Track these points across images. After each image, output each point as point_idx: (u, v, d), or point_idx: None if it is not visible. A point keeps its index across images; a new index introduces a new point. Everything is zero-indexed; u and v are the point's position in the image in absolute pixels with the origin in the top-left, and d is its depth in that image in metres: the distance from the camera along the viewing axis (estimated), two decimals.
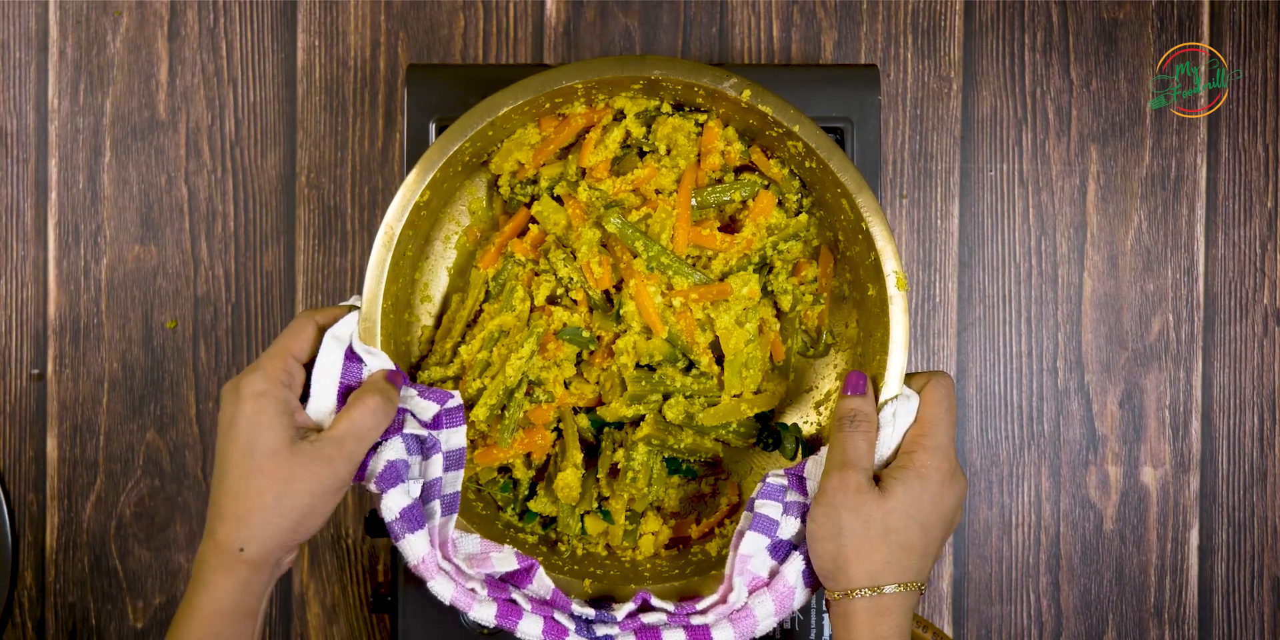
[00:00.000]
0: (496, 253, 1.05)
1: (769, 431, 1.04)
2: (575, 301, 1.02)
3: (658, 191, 1.00)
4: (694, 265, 0.98)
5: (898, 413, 0.92)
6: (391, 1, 1.05)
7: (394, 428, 0.90)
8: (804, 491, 0.92)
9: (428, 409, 0.94)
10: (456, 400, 0.95)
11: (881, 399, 0.93)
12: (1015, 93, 1.04)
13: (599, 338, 1.01)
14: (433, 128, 0.99)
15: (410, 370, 1.02)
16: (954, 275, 1.07)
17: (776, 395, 1.04)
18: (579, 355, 1.02)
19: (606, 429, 1.03)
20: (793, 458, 1.02)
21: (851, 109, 0.99)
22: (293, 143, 1.08)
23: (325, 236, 1.10)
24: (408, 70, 0.99)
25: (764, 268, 1.01)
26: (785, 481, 0.92)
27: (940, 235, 1.07)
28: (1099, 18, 1.03)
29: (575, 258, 0.99)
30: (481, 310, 1.04)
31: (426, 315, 1.07)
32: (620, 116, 1.00)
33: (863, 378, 0.94)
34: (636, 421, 1.02)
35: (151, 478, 1.09)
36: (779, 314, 1.03)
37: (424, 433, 0.92)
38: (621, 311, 0.99)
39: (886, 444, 0.91)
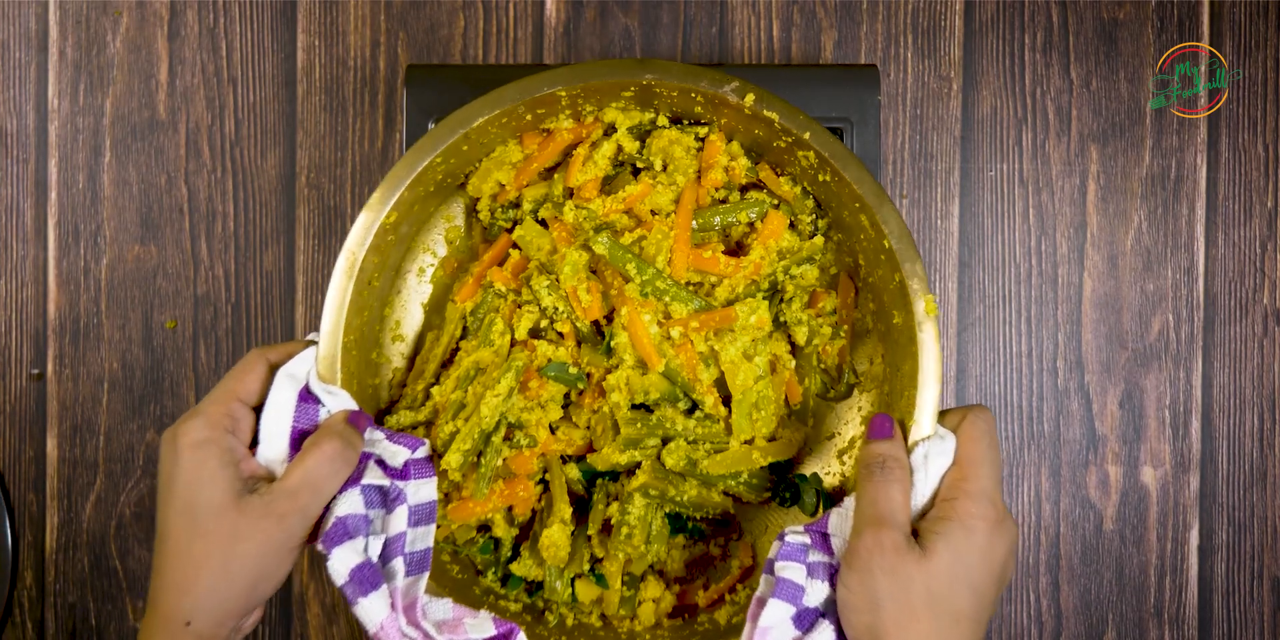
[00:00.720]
0: (475, 284, 0.96)
1: (786, 484, 0.95)
2: (561, 334, 0.93)
3: (654, 212, 0.93)
4: (695, 291, 0.90)
5: (930, 455, 0.82)
6: (391, 1, 1.05)
7: (353, 478, 0.82)
8: (829, 549, 0.82)
9: (397, 454, 0.85)
10: (426, 448, 0.87)
11: (911, 439, 0.84)
12: (1015, 93, 1.04)
13: (588, 375, 0.92)
14: (431, 128, 0.91)
15: (377, 417, 0.94)
16: (954, 275, 1.06)
17: (794, 443, 0.95)
18: (566, 396, 0.94)
19: (599, 480, 0.94)
20: (813, 513, 0.93)
21: (851, 109, 0.97)
22: (293, 143, 1.08)
23: (325, 236, 1.09)
24: (407, 70, 0.98)
25: (775, 295, 0.93)
26: (807, 539, 0.82)
27: (940, 235, 1.06)
28: (1099, 18, 1.03)
29: (560, 284, 0.89)
30: (459, 348, 0.96)
31: (398, 356, 0.99)
32: (611, 131, 0.93)
33: (888, 420, 0.85)
34: (632, 470, 0.92)
35: (151, 478, 1.07)
36: (794, 350, 0.95)
37: (386, 482, 0.83)
38: (613, 344, 0.90)
39: (921, 492, 0.81)
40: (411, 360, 0.98)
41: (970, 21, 1.04)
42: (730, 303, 0.90)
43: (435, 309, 0.98)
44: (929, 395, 0.84)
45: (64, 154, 1.04)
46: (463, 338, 0.96)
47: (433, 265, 0.98)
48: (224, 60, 1.05)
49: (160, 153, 1.06)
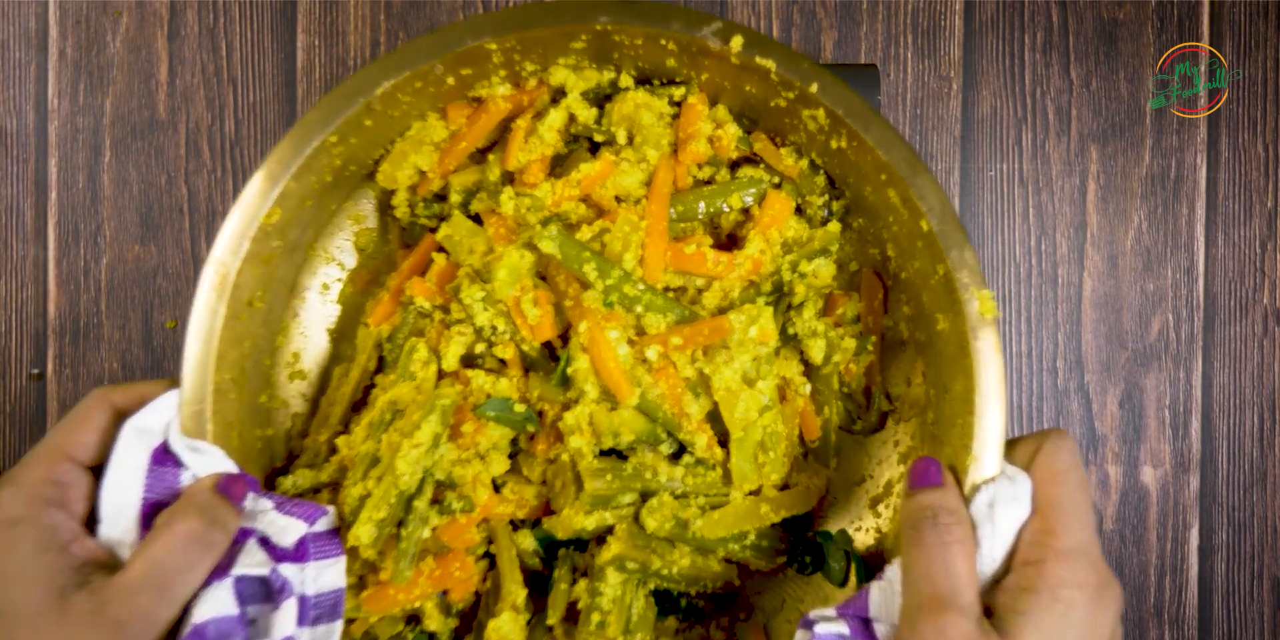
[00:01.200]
0: (391, 301, 0.85)
1: (805, 545, 0.85)
2: (502, 361, 0.82)
3: (619, 199, 0.82)
4: (676, 298, 0.80)
5: (999, 502, 0.70)
6: (391, 1, 1.06)
7: (222, 566, 0.70)
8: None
9: (288, 529, 0.74)
10: (330, 518, 0.76)
11: (971, 482, 0.71)
12: (1015, 93, 1.06)
13: (540, 413, 0.81)
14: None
15: (268, 479, 0.83)
16: None
17: (813, 492, 0.85)
18: (513, 442, 0.82)
19: (561, 551, 0.83)
20: (843, 583, 0.82)
21: None
22: None
23: None
24: None
25: (781, 301, 0.82)
26: (844, 629, 0.71)
27: None
28: (1099, 18, 1.05)
29: (496, 295, 0.79)
30: (373, 385, 0.85)
31: (297, 398, 0.87)
32: (560, 96, 0.82)
33: (934, 463, 0.73)
34: (603, 536, 0.82)
35: None
36: (808, 370, 0.84)
37: (266, 570, 0.71)
38: (569, 372, 0.79)
39: (991, 554, 0.69)
40: (316, 402, 0.87)
41: (970, 21, 1.05)
42: (723, 312, 0.80)
43: (345, 336, 0.88)
44: (991, 423, 0.71)
45: (64, 154, 1.06)
46: (379, 371, 0.85)
47: (340, 280, 0.88)
48: (224, 60, 1.07)
49: (160, 153, 1.07)
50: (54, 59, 1.06)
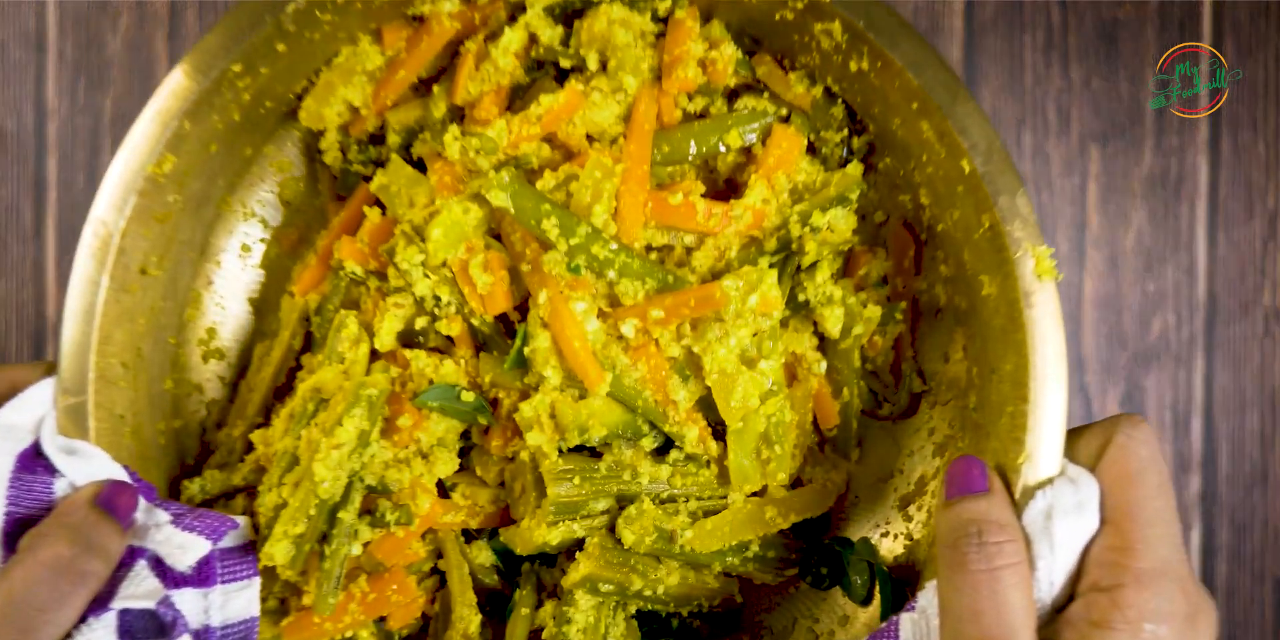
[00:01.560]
0: (321, 265, 0.81)
1: (821, 553, 0.82)
2: (449, 339, 0.78)
3: (591, 138, 0.78)
4: (660, 260, 0.77)
5: (1059, 511, 0.65)
6: None
7: (102, 598, 0.65)
8: None
9: (188, 548, 0.68)
10: (242, 532, 0.71)
11: (1023, 486, 0.67)
12: (1015, 92, 1.08)
13: (493, 402, 0.77)
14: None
15: (172, 481, 0.78)
16: None
17: (830, 489, 0.81)
18: (464, 435, 0.78)
19: (525, 565, 0.80)
20: (865, 600, 0.78)
21: None
22: None
23: None
24: None
25: (789, 261, 0.78)
26: None
27: None
28: (1099, 18, 1.08)
29: (435, 259, 0.75)
30: (299, 367, 0.81)
31: (214, 382, 0.82)
32: (519, 12, 0.77)
33: (977, 465, 0.68)
34: (572, 550, 0.78)
35: None
36: (823, 344, 0.81)
37: (152, 603, 0.66)
38: (527, 352, 0.75)
39: (1049, 577, 0.65)
40: (237, 386, 0.83)
41: (970, 21, 1.07)
42: (717, 276, 0.76)
43: (270, 306, 0.84)
44: (1049, 412, 0.67)
45: (63, 153, 1.07)
46: (307, 350, 0.81)
47: (263, 240, 0.83)
48: None
49: None
50: (53, 59, 1.08)
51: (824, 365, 0.80)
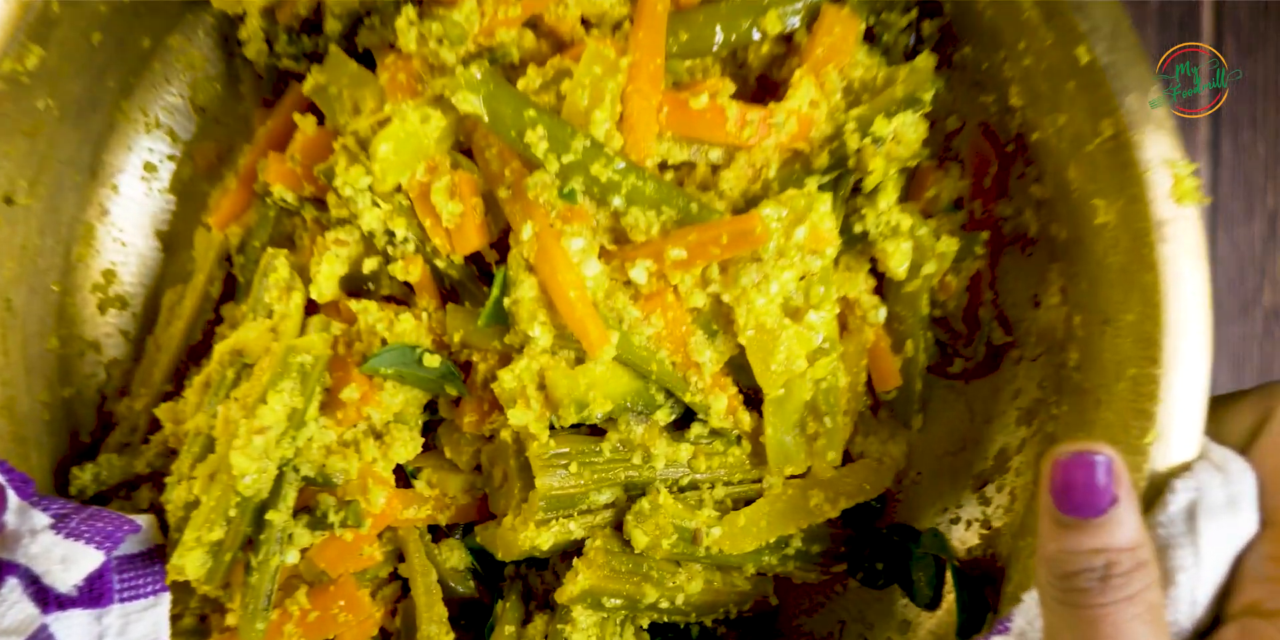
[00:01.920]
0: (243, 190, 0.70)
1: (875, 546, 0.73)
2: (407, 286, 0.68)
3: (587, 24, 0.68)
4: (679, 182, 0.67)
5: (1204, 510, 0.56)
6: None
7: None
8: None
9: (73, 562, 0.59)
10: (146, 535, 0.62)
11: (1152, 468, 0.58)
12: None
13: (464, 367, 0.67)
14: None
15: (60, 467, 0.68)
16: None
17: (887, 466, 0.71)
18: (429, 408, 0.67)
19: (508, 568, 0.71)
20: (930, 604, 0.68)
21: None
22: None
23: None
24: None
25: (842, 181, 0.67)
26: None
27: None
28: None
29: (385, 183, 0.64)
30: (219, 319, 0.71)
31: (115, 338, 0.72)
32: None
33: (1091, 462, 0.54)
34: (568, 555, 0.68)
35: None
36: (882, 286, 0.70)
37: (22, 637, 0.59)
38: (508, 304, 0.64)
39: (1189, 594, 0.56)
40: (143, 343, 0.73)
41: None
42: (752, 202, 0.66)
43: (182, 242, 0.75)
44: (1189, 375, 0.57)
45: None
46: (229, 299, 0.72)
47: (171, 158, 0.74)
48: None
49: None
50: None
51: (883, 313, 0.70)
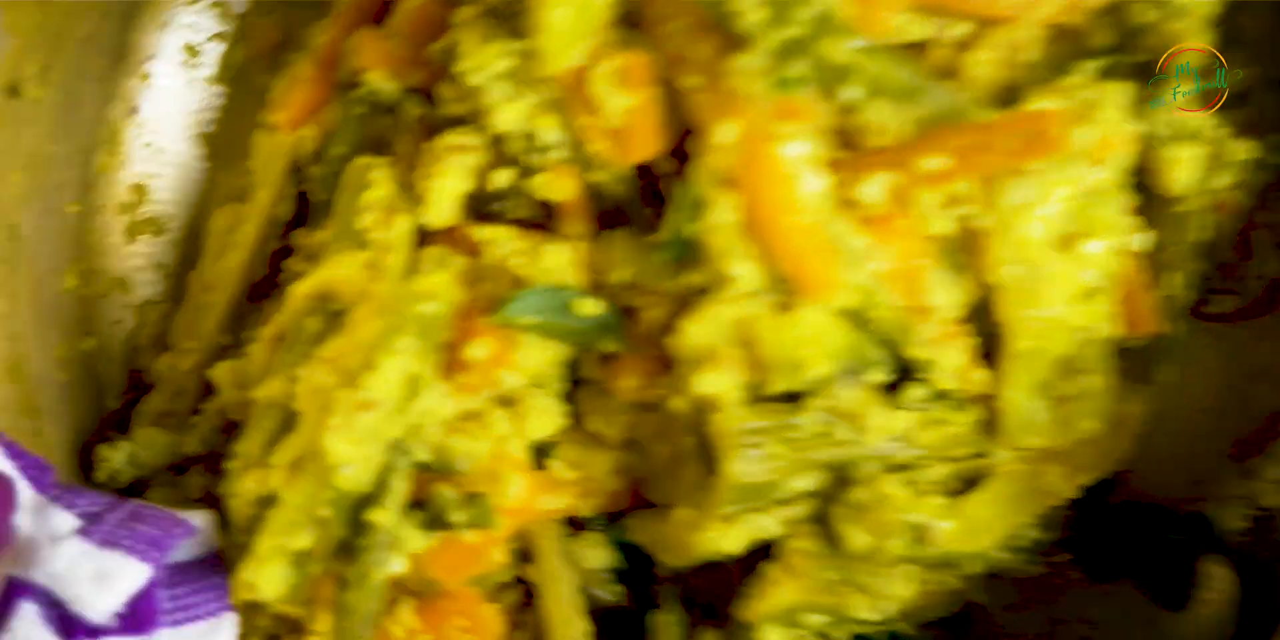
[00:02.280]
0: (321, 78, 0.61)
1: (1103, 529, 0.65)
2: (551, 209, 0.57)
3: None
4: (926, 71, 0.56)
5: None
6: None
7: None
8: None
9: (108, 582, 0.51)
10: (204, 538, 0.54)
11: None
12: None
13: (627, 314, 0.56)
14: None
15: (83, 447, 0.61)
16: None
17: (1124, 431, 0.60)
18: (572, 368, 0.57)
19: (662, 568, 0.61)
20: (1178, 604, 0.60)
21: None
22: None
23: None
24: None
25: (1128, 66, 0.56)
26: None
27: None
28: None
29: (541, 69, 0.55)
30: (287, 250, 0.61)
31: (147, 272, 0.64)
32: None
33: None
34: (752, 560, 0.57)
35: None
36: (1147, 205, 0.57)
37: None
38: (696, 231, 0.52)
39: None
40: (184, 279, 0.65)
41: None
42: (1009, 96, 0.54)
43: (232, 148, 0.65)
44: None
45: None
46: (299, 223, 0.61)
47: (221, 36, 0.66)
48: None
49: None
50: None
51: (1148, 239, 0.58)
